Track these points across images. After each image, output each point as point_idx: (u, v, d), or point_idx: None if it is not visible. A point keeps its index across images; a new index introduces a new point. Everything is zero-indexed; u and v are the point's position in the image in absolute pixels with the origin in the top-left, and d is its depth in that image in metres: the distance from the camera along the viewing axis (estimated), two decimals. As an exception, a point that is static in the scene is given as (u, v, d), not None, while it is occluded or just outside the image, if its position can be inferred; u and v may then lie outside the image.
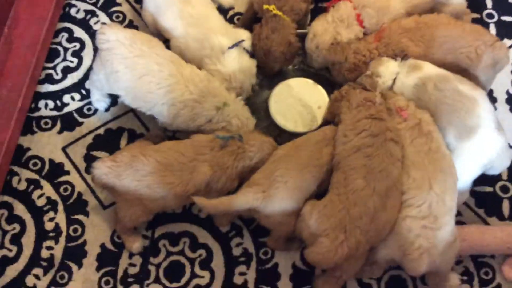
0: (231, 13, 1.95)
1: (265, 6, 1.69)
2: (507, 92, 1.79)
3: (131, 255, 1.53)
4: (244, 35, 1.70)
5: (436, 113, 1.47)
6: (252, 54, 1.71)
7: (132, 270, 1.51)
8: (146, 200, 1.41)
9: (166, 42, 1.70)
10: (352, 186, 1.34)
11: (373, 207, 1.31)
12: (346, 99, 1.52)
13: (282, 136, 1.67)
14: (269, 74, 1.77)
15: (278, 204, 1.39)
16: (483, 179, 1.60)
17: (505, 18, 1.93)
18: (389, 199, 1.33)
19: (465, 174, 1.44)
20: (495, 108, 1.74)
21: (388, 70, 1.57)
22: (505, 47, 1.54)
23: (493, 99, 1.77)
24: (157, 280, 1.50)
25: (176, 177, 1.40)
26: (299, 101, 1.72)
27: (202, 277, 1.50)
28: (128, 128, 1.74)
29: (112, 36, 1.53)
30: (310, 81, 1.76)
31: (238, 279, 1.49)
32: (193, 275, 1.50)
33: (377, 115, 1.44)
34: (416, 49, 1.58)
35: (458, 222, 1.51)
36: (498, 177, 1.63)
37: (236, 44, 1.63)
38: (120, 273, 1.51)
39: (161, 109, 1.54)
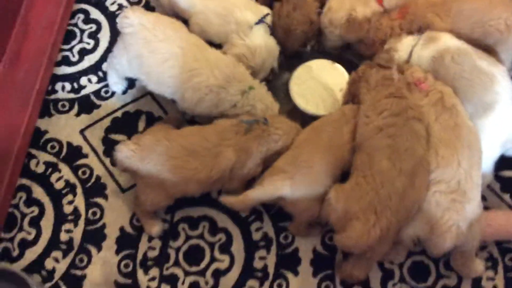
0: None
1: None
2: None
3: (150, 239, 1.52)
4: (265, 9, 1.66)
5: (453, 87, 1.43)
6: (272, 33, 1.67)
7: (152, 254, 1.50)
8: (168, 185, 1.39)
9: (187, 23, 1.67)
10: (377, 168, 1.30)
11: (402, 186, 1.28)
12: (364, 79, 1.48)
13: (304, 119, 1.63)
14: (289, 54, 1.73)
15: (305, 190, 1.37)
16: (508, 164, 1.57)
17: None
18: (416, 178, 1.30)
19: (484, 153, 1.40)
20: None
21: (404, 43, 1.53)
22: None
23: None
24: (176, 263, 1.49)
25: (200, 162, 1.38)
26: (320, 83, 1.69)
27: (222, 261, 1.49)
28: (146, 111, 1.72)
29: (135, 20, 1.51)
30: (331, 63, 1.72)
31: (258, 264, 1.48)
32: (213, 259, 1.49)
33: (397, 93, 1.40)
34: (442, 24, 1.53)
35: (483, 208, 1.48)
36: None
37: (261, 20, 1.60)
38: (139, 256, 1.50)
39: (185, 94, 1.52)
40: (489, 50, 1.51)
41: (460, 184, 1.30)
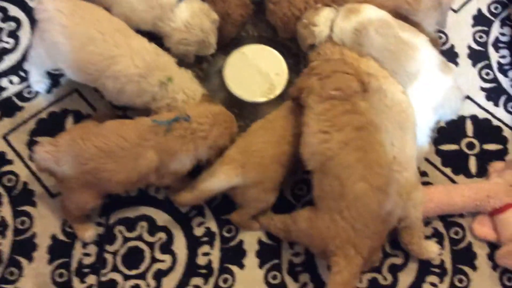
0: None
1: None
2: (469, 47, 1.74)
3: (85, 245, 1.42)
4: None
5: (379, 60, 1.42)
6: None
7: (87, 260, 1.41)
8: (89, 186, 1.31)
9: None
10: (352, 195, 1.18)
11: (378, 205, 1.19)
12: (316, 84, 1.33)
13: (241, 107, 1.58)
14: (225, 41, 1.66)
15: (257, 179, 1.32)
16: (447, 137, 1.58)
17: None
18: (390, 187, 1.22)
19: (418, 122, 1.39)
20: (457, 64, 1.71)
21: (323, 17, 1.48)
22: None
23: (454, 55, 1.72)
24: (114, 268, 1.40)
25: (118, 164, 1.29)
26: (255, 69, 1.62)
27: (163, 261, 1.41)
28: (73, 109, 1.61)
29: (50, 5, 1.41)
30: (266, 48, 1.66)
31: (201, 260, 1.41)
32: (153, 260, 1.41)
33: (355, 110, 1.28)
34: None
35: (425, 183, 1.48)
36: (463, 134, 1.59)
37: None
38: (74, 264, 1.40)
39: (105, 82, 1.42)
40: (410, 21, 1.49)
41: (396, 158, 1.30)
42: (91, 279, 1.38)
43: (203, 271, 1.40)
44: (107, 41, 1.40)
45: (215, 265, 1.40)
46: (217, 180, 1.32)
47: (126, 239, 1.43)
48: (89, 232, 1.42)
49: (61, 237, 1.43)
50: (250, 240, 1.44)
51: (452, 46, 1.74)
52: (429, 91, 1.40)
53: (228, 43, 1.67)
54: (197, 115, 1.37)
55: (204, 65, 1.66)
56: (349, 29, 1.44)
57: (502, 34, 1.77)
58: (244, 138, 1.39)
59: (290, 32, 1.62)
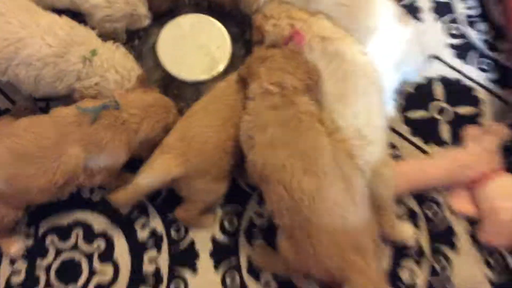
0: None
1: None
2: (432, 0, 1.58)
3: (13, 261, 1.23)
4: None
5: (332, 19, 1.25)
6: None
7: (17, 279, 1.22)
8: (5, 197, 1.11)
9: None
10: (299, 195, 1.02)
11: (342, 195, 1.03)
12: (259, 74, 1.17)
13: (181, 87, 1.38)
14: (159, 12, 1.45)
15: (202, 167, 1.15)
16: (415, 103, 1.42)
17: None
18: (352, 179, 1.06)
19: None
20: (419, 20, 1.54)
21: None
22: None
23: (415, 9, 1.56)
24: (48, 285, 1.21)
25: (37, 167, 1.09)
26: (193, 42, 1.42)
27: (104, 272, 1.23)
28: (-13, 105, 1.40)
29: None
30: (205, 17, 1.45)
31: (148, 267, 1.23)
32: (93, 272, 1.23)
33: (282, 103, 1.12)
34: None
35: (394, 157, 1.33)
36: (431, 97, 1.43)
37: None
38: (1, 284, 1.21)
39: (17, 72, 1.22)
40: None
41: (360, 131, 1.14)
42: (22, 300, 1.20)
43: (151, 279, 1.22)
44: (10, 23, 1.19)
45: (164, 271, 1.23)
46: (156, 172, 1.14)
47: (60, 251, 1.25)
48: (15, 246, 1.23)
49: (-16, 255, 1.24)
50: (202, 239, 1.26)
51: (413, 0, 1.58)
52: (389, 46, 1.24)
53: (163, 14, 1.46)
54: (128, 105, 1.18)
55: (135, 42, 1.45)
56: None
57: (468, -19, 1.61)
58: (183, 122, 1.21)
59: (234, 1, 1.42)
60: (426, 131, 1.39)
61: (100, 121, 1.14)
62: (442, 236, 1.27)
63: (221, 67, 1.38)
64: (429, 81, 1.45)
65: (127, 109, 1.17)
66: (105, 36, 1.33)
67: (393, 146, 1.35)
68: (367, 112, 1.16)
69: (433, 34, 1.52)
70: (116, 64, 1.26)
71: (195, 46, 1.41)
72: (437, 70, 1.47)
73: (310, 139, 1.07)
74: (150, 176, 1.14)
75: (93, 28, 1.32)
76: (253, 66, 1.19)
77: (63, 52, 1.22)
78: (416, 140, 1.38)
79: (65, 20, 1.26)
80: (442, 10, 1.57)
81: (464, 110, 1.42)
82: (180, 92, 1.36)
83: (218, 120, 1.18)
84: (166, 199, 1.29)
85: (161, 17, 1.45)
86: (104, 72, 1.25)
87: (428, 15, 1.56)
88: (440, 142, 1.38)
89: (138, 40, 1.45)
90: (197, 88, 1.37)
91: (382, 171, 1.16)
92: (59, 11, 1.30)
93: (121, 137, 1.16)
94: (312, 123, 1.09)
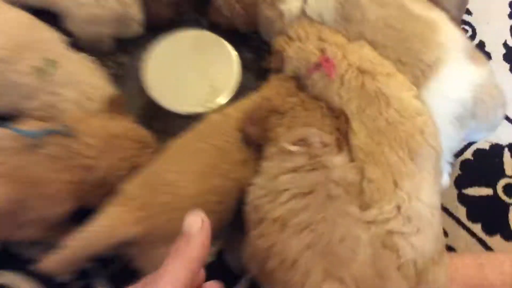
0: None
1: None
2: (505, 45, 1.28)
3: None
4: None
5: (375, 43, 0.96)
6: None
7: None
8: None
9: None
10: None
11: None
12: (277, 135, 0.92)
13: (167, 120, 1.07)
14: (154, 21, 1.17)
15: (168, 232, 0.81)
16: (476, 176, 1.10)
17: None
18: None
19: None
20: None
21: None
22: None
23: (484, 55, 1.24)
24: None
25: None
26: (191, 64, 1.10)
27: None
28: None
29: None
30: (211, 35, 1.15)
31: None
32: None
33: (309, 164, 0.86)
34: None
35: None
36: (500, 174, 1.11)
37: None
38: None
39: None
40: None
41: (401, 208, 0.83)
42: None
43: None
44: None
45: None
46: (102, 231, 0.82)
47: (-31, 324, 0.92)
48: None
49: None
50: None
51: (482, 43, 1.28)
52: (454, 91, 0.91)
53: (160, 24, 1.18)
54: (85, 133, 0.88)
55: (122, 58, 1.16)
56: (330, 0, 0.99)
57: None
58: (151, 165, 0.89)
59: (250, 23, 1.15)
60: (489, 216, 1.07)
61: (41, 151, 0.84)
62: None
63: (222, 99, 1.07)
64: (498, 149, 1.14)
65: (82, 137, 0.87)
66: (86, 45, 1.07)
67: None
68: (414, 182, 0.85)
69: (505, 87, 1.19)
70: (80, 80, 0.98)
71: (193, 69, 1.10)
72: (508, 135, 1.15)
73: (340, 227, 0.75)
74: (93, 236, 0.81)
75: (68, 35, 1.04)
76: (267, 124, 0.91)
77: (12, 58, 0.94)
78: (475, 228, 1.05)
79: (27, 17, 0.99)
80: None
81: (542, 193, 1.09)
82: (167, 126, 1.06)
83: (199, 165, 0.87)
84: (123, 267, 0.95)
85: (157, 28, 1.16)
86: (61, 89, 0.95)
87: (499, 63, 1.26)
88: (507, 234, 1.04)
89: (124, 54, 1.16)
90: (189, 123, 1.05)
91: (431, 272, 0.83)
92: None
93: (66, 176, 0.85)
94: (346, 204, 0.78)
